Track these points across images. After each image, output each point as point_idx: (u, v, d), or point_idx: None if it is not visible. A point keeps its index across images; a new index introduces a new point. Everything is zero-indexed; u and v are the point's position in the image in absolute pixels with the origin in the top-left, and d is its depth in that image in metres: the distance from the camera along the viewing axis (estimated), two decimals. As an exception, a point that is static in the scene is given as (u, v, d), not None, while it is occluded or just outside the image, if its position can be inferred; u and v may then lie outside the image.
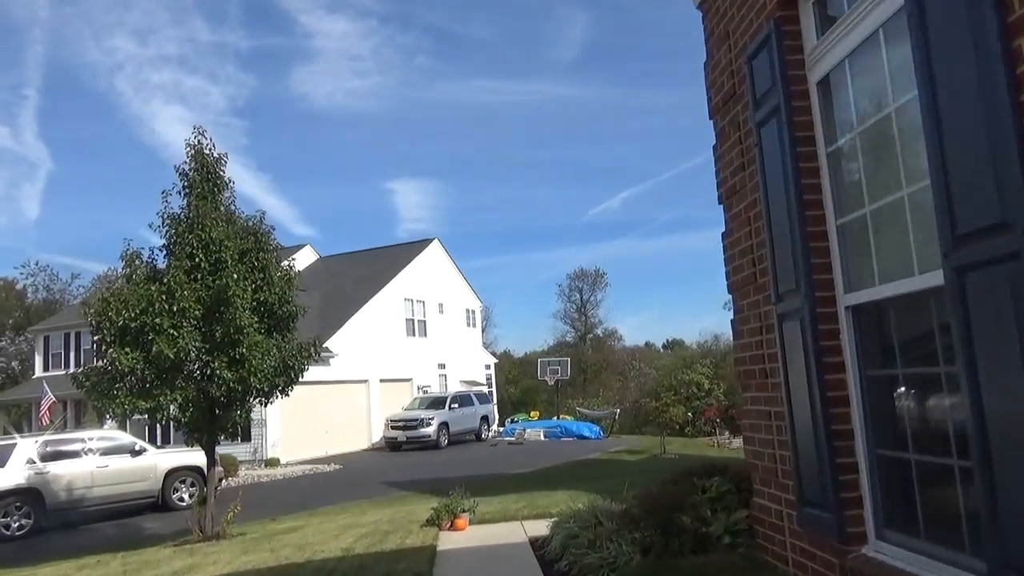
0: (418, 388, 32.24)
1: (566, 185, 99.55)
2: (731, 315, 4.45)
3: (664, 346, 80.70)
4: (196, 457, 17.48)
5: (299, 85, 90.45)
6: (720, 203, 4.50)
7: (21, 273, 55.50)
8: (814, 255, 3.36)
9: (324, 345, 26.77)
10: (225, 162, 11.91)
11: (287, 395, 11.85)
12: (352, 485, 18.89)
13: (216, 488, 17.65)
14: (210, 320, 10.49)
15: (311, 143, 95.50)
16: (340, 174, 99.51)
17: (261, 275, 11.22)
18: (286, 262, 12.09)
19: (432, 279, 35.16)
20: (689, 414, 23.31)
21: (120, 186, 71.26)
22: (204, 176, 11.55)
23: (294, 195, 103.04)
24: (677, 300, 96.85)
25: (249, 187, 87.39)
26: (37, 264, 57.66)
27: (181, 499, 16.70)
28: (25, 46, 78.63)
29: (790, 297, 3.51)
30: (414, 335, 33.07)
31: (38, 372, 34.69)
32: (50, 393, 25.64)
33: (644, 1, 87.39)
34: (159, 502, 16.51)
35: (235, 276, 10.47)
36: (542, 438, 30.20)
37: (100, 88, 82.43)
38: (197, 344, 10.47)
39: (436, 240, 36.71)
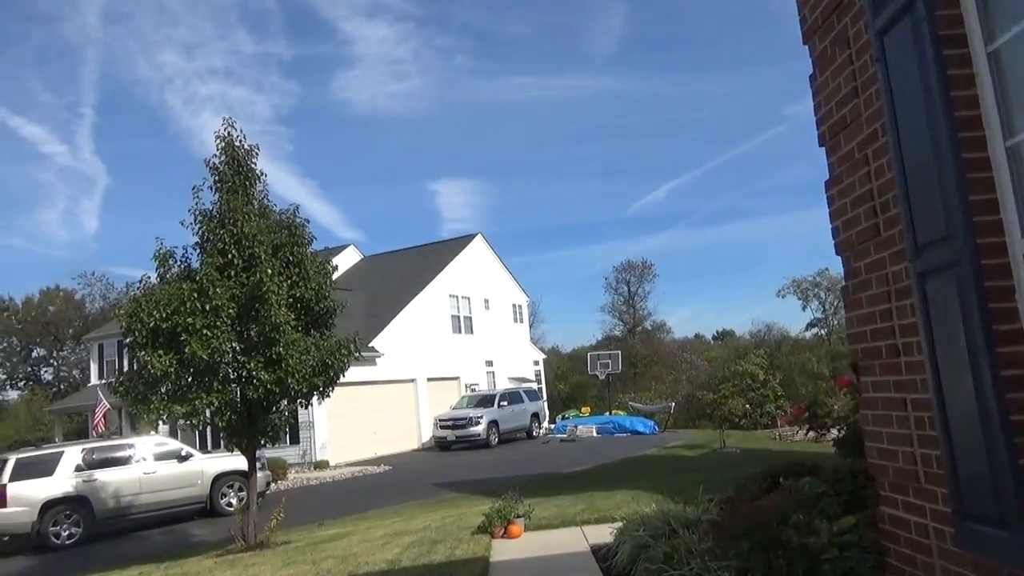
0: (466, 386, 31.70)
1: (610, 179, 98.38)
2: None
3: (714, 337, 79.05)
4: (244, 461, 17.15)
5: (341, 91, 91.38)
6: (822, 144, 3.67)
7: (79, 283, 56.92)
8: (974, 190, 2.52)
9: (370, 344, 26.41)
10: (257, 154, 11.41)
11: (328, 396, 11.30)
12: (401, 487, 18.39)
13: (262, 494, 17.39)
14: (245, 319, 9.99)
15: (355, 148, 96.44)
16: (384, 177, 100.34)
17: (296, 270, 10.68)
18: (323, 256, 11.52)
19: (477, 275, 34.58)
20: (747, 406, 22.19)
21: (173, 197, 73.02)
22: (235, 169, 11.06)
23: (340, 200, 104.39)
24: (725, 291, 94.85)
25: (296, 193, 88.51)
26: (94, 274, 59.15)
27: (230, 504, 16.38)
28: (80, 65, 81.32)
29: (937, 249, 2.68)
30: (460, 332, 32.53)
31: (93, 380, 35.20)
32: (104, 400, 25.76)
33: None
34: (208, 507, 16.22)
35: (269, 271, 9.94)
36: (595, 434, 29.37)
37: (151, 103, 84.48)
38: (232, 344, 9.98)
39: (479, 235, 36.11)
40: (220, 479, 16.43)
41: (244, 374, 9.93)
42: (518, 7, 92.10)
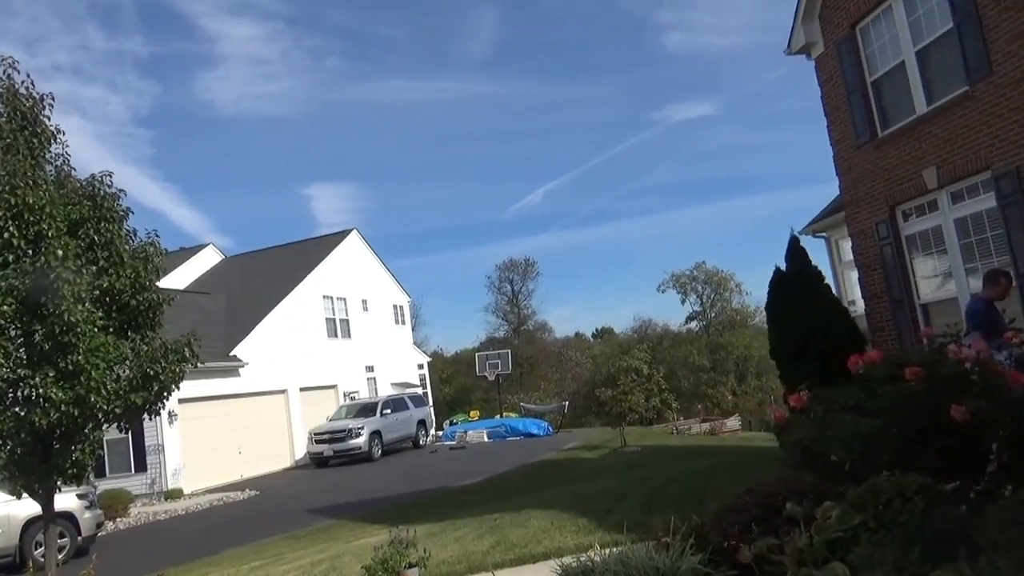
0: (345, 395, 29.00)
1: (487, 182, 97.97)
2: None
3: (594, 335, 79.66)
4: (66, 500, 14.04)
5: (205, 91, 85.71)
6: None
7: None
8: None
9: (232, 353, 23.36)
10: (50, 106, 8.72)
11: (155, 414, 8.74)
12: (269, 515, 15.75)
13: (93, 537, 14.30)
14: (27, 319, 7.34)
15: (221, 151, 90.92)
16: (254, 181, 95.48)
17: (104, 253, 8.11)
18: (147, 241, 8.94)
19: (353, 274, 31.89)
20: (645, 400, 21.06)
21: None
22: (19, 124, 8.36)
23: (207, 205, 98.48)
24: (602, 289, 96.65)
25: (157, 198, 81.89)
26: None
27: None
28: None
29: None
30: (336, 336, 29.77)
31: None
32: None
33: None
34: (15, 562, 12.99)
35: (60, 253, 7.35)
36: (486, 439, 27.56)
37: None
38: (12, 353, 7.32)
39: (355, 231, 33.40)
40: (33, 524, 13.20)
41: (27, 393, 7.25)
42: (390, 9, 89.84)
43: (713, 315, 60.97)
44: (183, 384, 20.73)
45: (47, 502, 8.26)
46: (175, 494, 19.53)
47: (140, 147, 78.72)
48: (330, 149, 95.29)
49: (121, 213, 8.46)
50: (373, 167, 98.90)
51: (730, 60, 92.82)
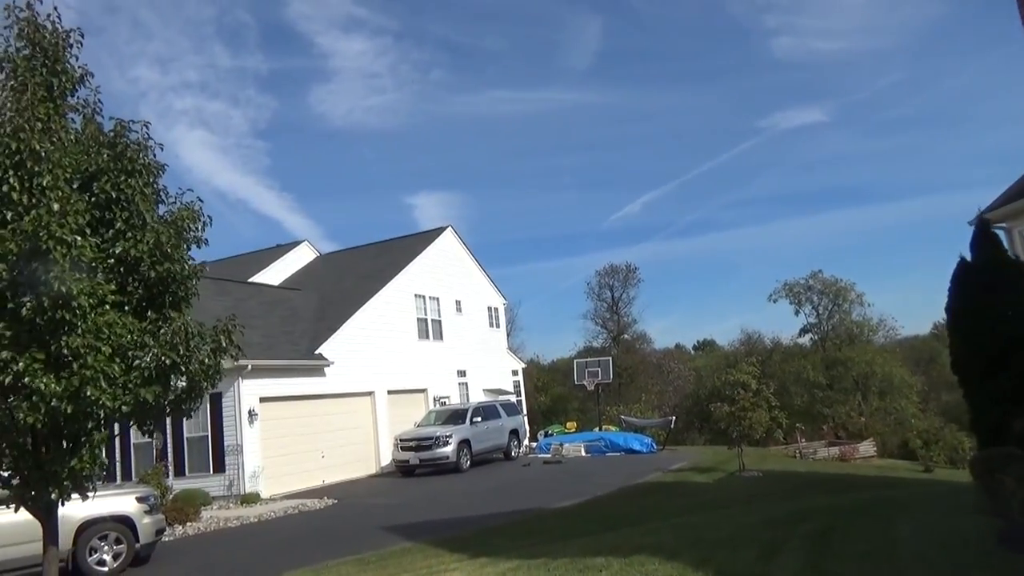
0: (434, 399, 27.47)
1: (586, 191, 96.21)
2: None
3: (695, 347, 75.88)
4: (124, 503, 12.92)
5: (318, 105, 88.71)
6: None
7: None
8: None
9: (317, 352, 22.20)
10: (77, 43, 7.32)
11: (187, 415, 7.15)
12: (341, 531, 14.18)
13: (152, 544, 13.12)
14: (13, 290, 5.84)
15: (331, 162, 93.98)
16: (361, 190, 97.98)
17: (124, 213, 6.56)
18: (183, 201, 7.35)
19: (447, 273, 30.41)
20: (771, 420, 18.34)
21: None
22: (40, 60, 6.98)
23: (317, 214, 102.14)
24: (703, 301, 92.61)
25: (272, 207, 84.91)
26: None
27: (101, 562, 12.05)
28: (52, 79, 76.57)
29: None
30: (428, 338, 28.31)
31: None
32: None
33: (654, 4, 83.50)
34: (69, 568, 11.89)
35: (56, 207, 5.81)
36: (583, 454, 25.35)
37: (124, 117, 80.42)
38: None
39: (449, 228, 31.93)
40: (88, 528, 12.09)
41: (10, 381, 5.73)
42: (494, 22, 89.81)
43: (830, 328, 56.19)
44: (264, 382, 19.59)
45: (47, 518, 6.74)
46: (251, 499, 18.37)
47: (258, 158, 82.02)
48: (433, 159, 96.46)
49: (150, 168, 6.89)
50: (474, 176, 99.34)
51: (840, 65, 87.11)
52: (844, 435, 28.96)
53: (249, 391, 19.44)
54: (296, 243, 34.29)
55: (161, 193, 7.12)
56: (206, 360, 6.75)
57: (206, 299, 18.40)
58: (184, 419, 19.14)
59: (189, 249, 7.05)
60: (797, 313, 55.78)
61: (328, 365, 22.24)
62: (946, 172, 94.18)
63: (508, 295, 35.51)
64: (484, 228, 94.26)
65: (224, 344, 7.02)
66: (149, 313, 6.54)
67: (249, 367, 19.00)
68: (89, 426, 6.18)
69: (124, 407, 6.05)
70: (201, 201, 7.41)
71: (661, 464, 21.28)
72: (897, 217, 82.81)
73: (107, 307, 6.13)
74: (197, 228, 7.26)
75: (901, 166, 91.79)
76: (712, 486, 16.47)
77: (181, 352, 6.28)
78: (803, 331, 56.42)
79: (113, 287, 6.24)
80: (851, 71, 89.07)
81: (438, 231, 31.82)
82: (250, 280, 28.42)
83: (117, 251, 6.36)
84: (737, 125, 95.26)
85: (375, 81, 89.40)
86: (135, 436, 19.52)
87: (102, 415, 6.05)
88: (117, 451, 20.31)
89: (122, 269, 6.42)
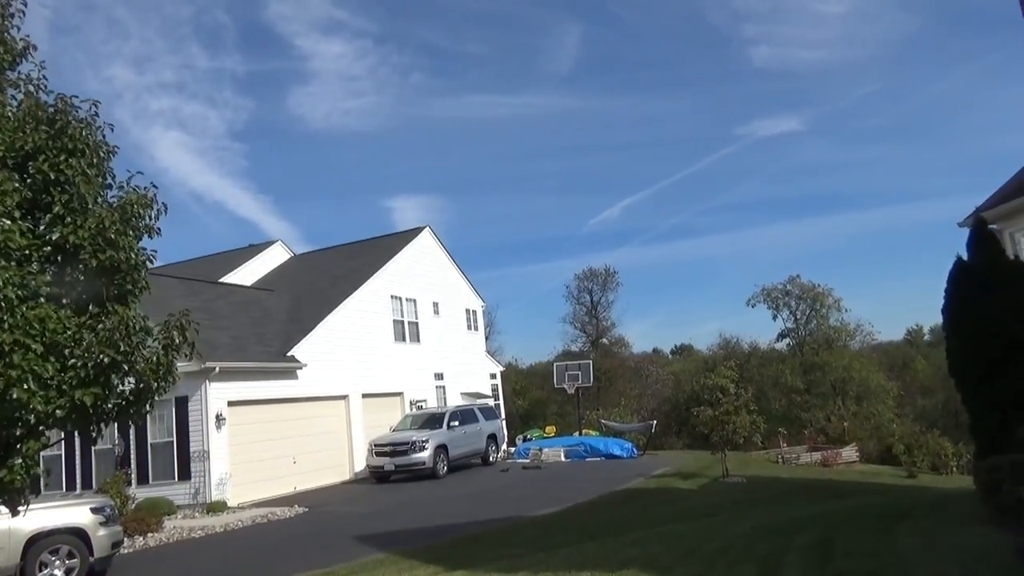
0: (411, 403, 26.80)
1: (565, 196, 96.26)
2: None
3: (672, 351, 75.74)
4: (77, 515, 12.15)
5: (296, 107, 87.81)
6: None
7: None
8: None
9: (289, 354, 21.48)
10: (18, 13, 6.67)
11: (133, 422, 6.51)
12: (310, 540, 13.52)
13: (108, 558, 12.38)
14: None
15: (309, 164, 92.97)
16: (339, 194, 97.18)
17: (64, 196, 5.91)
18: (131, 189, 6.69)
19: (424, 274, 29.78)
20: (753, 424, 17.93)
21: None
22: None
23: (295, 216, 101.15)
24: (681, 306, 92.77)
25: (251, 209, 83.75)
26: None
27: (52, 577, 11.33)
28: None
29: None
30: (404, 340, 27.65)
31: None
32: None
33: (635, 11, 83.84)
34: (16, 582, 11.14)
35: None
36: (563, 459, 24.83)
37: (100, 117, 79.16)
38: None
39: (427, 229, 31.33)
40: (38, 541, 11.33)
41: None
42: (475, 26, 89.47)
43: (807, 333, 56.23)
44: (233, 385, 18.80)
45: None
46: (218, 507, 17.60)
47: (235, 160, 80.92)
48: (413, 162, 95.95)
49: (92, 146, 6.25)
50: (454, 180, 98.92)
51: (818, 75, 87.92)
52: (823, 440, 28.72)
53: (217, 394, 18.66)
54: (269, 243, 33.46)
55: (109, 176, 6.48)
56: (155, 358, 6.13)
57: (174, 299, 17.76)
58: (147, 424, 18.49)
59: (139, 239, 6.42)
60: (775, 318, 55.68)
61: (301, 368, 21.53)
62: (922, 181, 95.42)
63: (487, 298, 34.96)
64: (463, 231, 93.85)
65: (177, 341, 6.39)
66: (90, 307, 5.91)
67: (217, 369, 18.26)
68: (18, 433, 5.53)
69: (59, 411, 5.40)
70: (155, 187, 6.78)
71: (643, 469, 20.82)
72: (874, 224, 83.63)
73: (41, 300, 5.49)
74: (149, 216, 6.63)
75: (877, 175, 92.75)
76: (696, 492, 16.02)
77: (121, 348, 5.64)
78: (781, 336, 56.34)
79: (48, 277, 5.61)
80: (829, 81, 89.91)
81: (415, 231, 31.21)
82: (221, 280, 27.59)
83: (54, 237, 5.72)
84: (716, 132, 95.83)
85: (355, 84, 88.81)
86: (100, 442, 18.69)
87: (32, 420, 5.40)
88: (77, 458, 19.46)
89: (60, 258, 5.78)
